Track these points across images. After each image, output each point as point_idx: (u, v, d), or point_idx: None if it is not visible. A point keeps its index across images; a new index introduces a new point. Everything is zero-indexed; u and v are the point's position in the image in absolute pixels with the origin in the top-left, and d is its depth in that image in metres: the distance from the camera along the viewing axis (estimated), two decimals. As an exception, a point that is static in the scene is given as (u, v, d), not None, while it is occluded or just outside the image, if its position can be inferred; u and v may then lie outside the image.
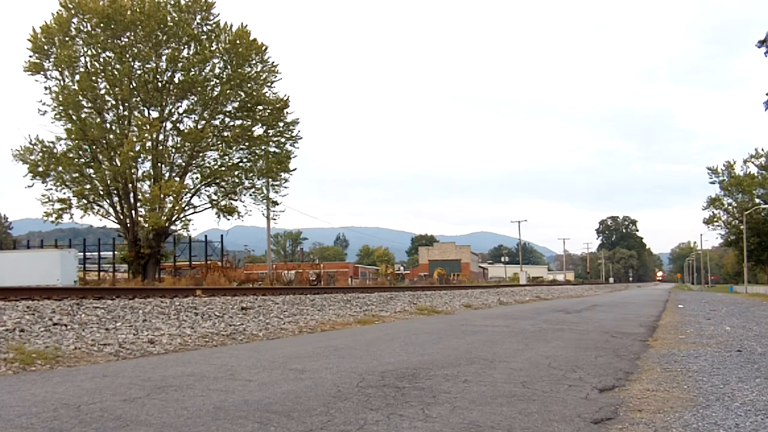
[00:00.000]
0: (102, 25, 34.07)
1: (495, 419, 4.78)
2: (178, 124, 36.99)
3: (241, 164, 38.41)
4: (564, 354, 8.92)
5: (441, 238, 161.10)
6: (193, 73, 35.52)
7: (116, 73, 34.28)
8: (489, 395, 5.70)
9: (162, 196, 33.30)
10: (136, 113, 35.64)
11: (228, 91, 36.25)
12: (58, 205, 34.57)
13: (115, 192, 35.22)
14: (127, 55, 34.73)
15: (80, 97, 34.23)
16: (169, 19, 34.90)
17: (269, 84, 37.90)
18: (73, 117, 34.19)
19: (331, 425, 4.48)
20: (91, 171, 35.21)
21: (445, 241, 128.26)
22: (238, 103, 37.34)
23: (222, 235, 46.65)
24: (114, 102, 35.45)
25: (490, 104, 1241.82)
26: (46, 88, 34.93)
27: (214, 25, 36.47)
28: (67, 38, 34.26)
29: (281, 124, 38.40)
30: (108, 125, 35.42)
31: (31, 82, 36.19)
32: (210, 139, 36.82)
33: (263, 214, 39.60)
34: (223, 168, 37.80)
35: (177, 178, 35.75)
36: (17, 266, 30.70)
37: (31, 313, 9.69)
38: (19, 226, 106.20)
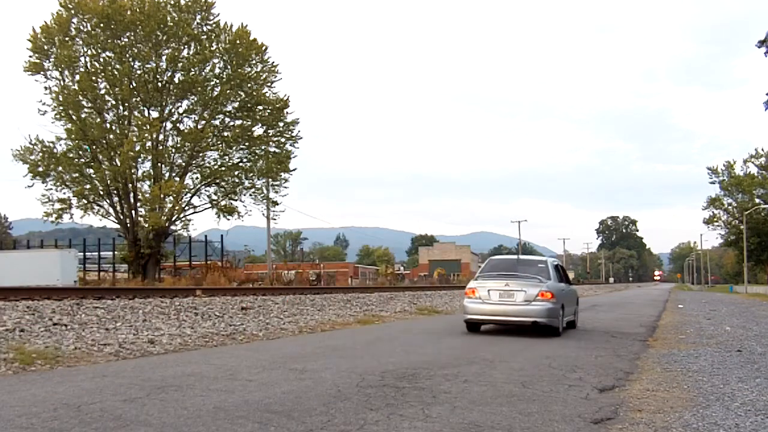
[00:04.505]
0: (102, 25, 34.07)
1: (495, 419, 4.78)
2: (178, 124, 37.00)
3: (241, 164, 38.41)
4: (564, 354, 8.92)
5: (441, 238, 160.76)
6: (193, 73, 35.52)
7: (116, 73, 34.27)
8: (489, 395, 5.70)
9: (162, 196, 33.30)
10: (136, 113, 35.64)
11: (228, 91, 36.25)
12: (58, 205, 34.57)
13: (115, 192, 35.21)
14: (127, 55, 34.73)
15: (80, 97, 34.22)
16: (169, 19, 34.90)
17: (269, 84, 37.91)
18: (73, 117, 34.18)
19: (331, 425, 4.48)
20: (91, 171, 35.21)
21: (445, 241, 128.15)
22: (238, 103, 37.34)
23: (222, 235, 46.62)
24: (114, 102, 35.45)
25: (491, 104, 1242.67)
26: (46, 88, 34.94)
27: (214, 25, 36.48)
28: (67, 38, 34.25)
29: (281, 124, 38.40)
30: (108, 125, 35.42)
31: (31, 82, 36.16)
32: (210, 139, 36.83)
33: (263, 214, 39.59)
34: (223, 168, 37.80)
35: (177, 178, 35.75)
36: (17, 266, 30.69)
37: (31, 313, 9.69)
38: (19, 226, 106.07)
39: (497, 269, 12.58)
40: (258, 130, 38.27)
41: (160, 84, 35.45)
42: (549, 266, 12.56)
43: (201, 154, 37.16)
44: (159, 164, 35.88)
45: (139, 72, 35.05)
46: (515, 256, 16.45)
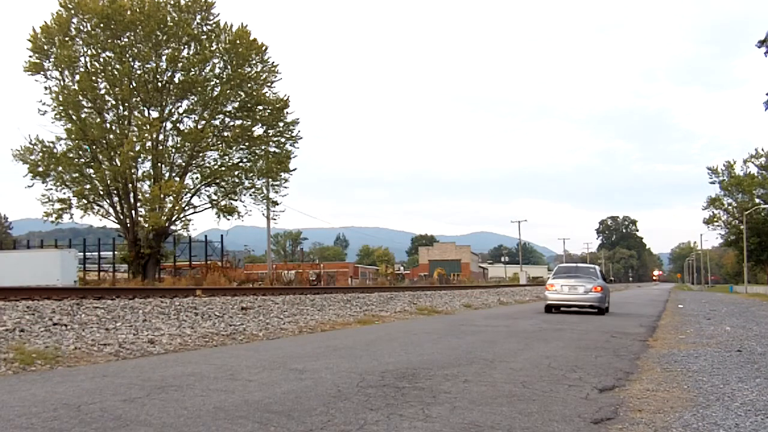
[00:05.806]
0: (102, 25, 34.08)
1: (495, 419, 4.77)
2: (178, 124, 37.03)
3: (241, 164, 38.42)
4: (564, 354, 8.92)
5: (441, 238, 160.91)
6: (193, 73, 35.53)
7: (116, 73, 34.28)
8: (489, 395, 5.69)
9: (162, 196, 33.31)
10: (136, 113, 35.66)
11: (228, 91, 36.26)
12: (58, 205, 34.60)
13: (115, 192, 35.22)
14: (127, 55, 34.74)
15: (80, 97, 34.24)
16: (169, 19, 34.90)
17: (269, 84, 37.93)
18: (73, 117, 34.20)
19: (331, 425, 4.48)
20: (91, 171, 35.23)
21: (445, 241, 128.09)
22: (238, 103, 37.36)
23: (222, 235, 46.64)
24: (114, 102, 35.46)
25: (491, 104, 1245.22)
26: (46, 88, 34.97)
27: (214, 25, 36.49)
28: (67, 38, 34.26)
29: (281, 124, 38.42)
30: (108, 125, 35.43)
31: (31, 82, 36.24)
32: (210, 139, 36.84)
33: (263, 214, 39.62)
34: (223, 168, 37.81)
35: (177, 178, 35.76)
36: (17, 266, 30.70)
37: (31, 313, 9.68)
38: (19, 226, 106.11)
39: (564, 272, 20.11)
40: (258, 130, 38.32)
41: (160, 84, 35.46)
42: (597, 270, 20.05)
43: (201, 154, 37.18)
44: (159, 164, 35.89)
45: (139, 72, 35.06)
46: (575, 264, 24.46)
